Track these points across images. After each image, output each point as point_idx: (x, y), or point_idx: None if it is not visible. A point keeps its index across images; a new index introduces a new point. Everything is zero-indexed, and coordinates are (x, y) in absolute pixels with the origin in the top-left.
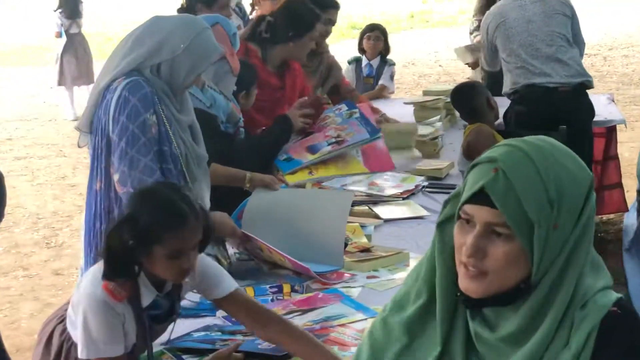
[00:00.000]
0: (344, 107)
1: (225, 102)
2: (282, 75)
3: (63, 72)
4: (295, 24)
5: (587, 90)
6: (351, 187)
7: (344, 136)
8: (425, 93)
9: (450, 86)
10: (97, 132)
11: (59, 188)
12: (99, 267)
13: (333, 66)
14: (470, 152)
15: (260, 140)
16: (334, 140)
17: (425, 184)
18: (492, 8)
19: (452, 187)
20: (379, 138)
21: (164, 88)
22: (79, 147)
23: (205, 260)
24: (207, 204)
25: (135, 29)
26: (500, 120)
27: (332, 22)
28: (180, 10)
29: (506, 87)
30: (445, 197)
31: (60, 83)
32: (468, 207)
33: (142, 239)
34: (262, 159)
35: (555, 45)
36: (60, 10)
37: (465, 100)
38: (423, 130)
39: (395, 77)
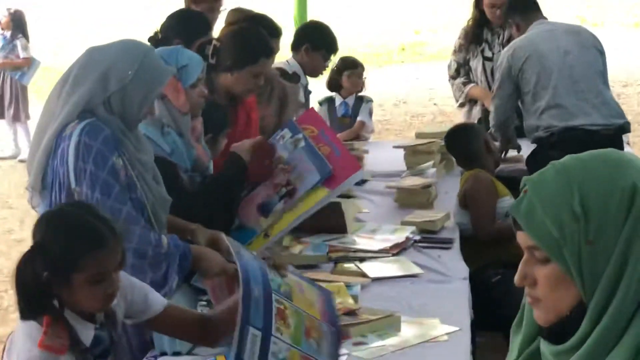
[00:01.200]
0: (287, 134)
1: (188, 147)
2: (234, 109)
3: (3, 103)
4: (237, 52)
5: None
6: (334, 242)
7: (294, 182)
8: (418, 135)
9: (447, 127)
10: (54, 186)
11: (5, 244)
12: (27, 327)
13: (287, 98)
14: (468, 201)
15: (209, 188)
16: (284, 191)
17: (418, 237)
18: (517, 39)
19: (448, 241)
20: (330, 174)
21: (120, 126)
22: (32, 208)
23: (128, 280)
24: None
25: (71, 66)
26: (523, 166)
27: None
28: (152, 40)
29: (532, 129)
30: (440, 252)
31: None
32: (517, 234)
33: (57, 268)
34: (214, 210)
35: (594, 81)
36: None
37: (462, 144)
38: (414, 178)
39: (385, 118)
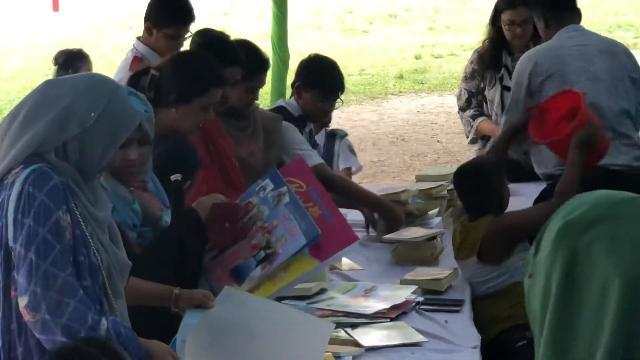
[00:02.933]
0: (268, 185)
1: (129, 199)
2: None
3: None
4: (182, 83)
5: None
6: (321, 305)
7: (274, 245)
8: (419, 178)
9: (453, 169)
10: None
11: None
12: None
13: (273, 131)
14: (486, 252)
15: (157, 243)
16: (263, 255)
17: (420, 299)
18: (541, 47)
19: (457, 303)
20: (317, 239)
21: (74, 176)
22: None
23: None
24: (129, 324)
25: (23, 100)
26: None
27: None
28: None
29: (548, 166)
30: (447, 316)
31: None
32: None
33: None
34: (163, 270)
35: (620, 116)
36: None
37: (478, 185)
38: (415, 229)
39: (380, 158)
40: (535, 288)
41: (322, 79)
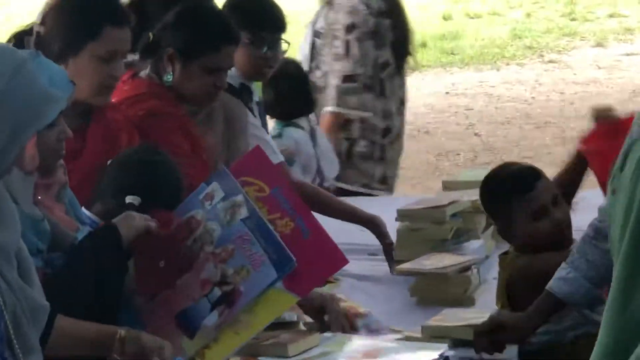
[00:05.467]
0: (216, 193)
1: (36, 216)
2: (82, 129)
3: None
4: (68, 26)
5: None
6: None
7: (233, 279)
8: (448, 186)
9: None
10: None
11: None
12: None
13: (235, 117)
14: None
15: (60, 279)
16: (218, 294)
17: (451, 353)
18: None
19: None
20: (292, 268)
21: None
22: None
23: None
24: None
25: None
26: None
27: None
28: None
29: None
30: None
31: None
32: None
33: None
34: (76, 299)
35: None
36: None
37: (499, 209)
38: (442, 256)
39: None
40: (618, 205)
41: (246, 16)
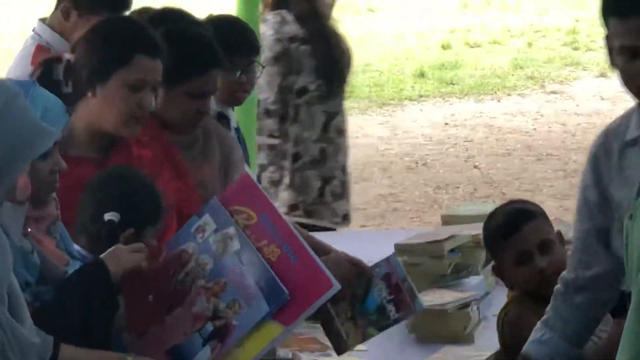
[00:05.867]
0: (208, 225)
1: (25, 248)
2: (102, 162)
3: None
4: (99, 53)
5: None
6: None
7: (225, 313)
8: (447, 220)
9: (496, 206)
10: None
11: None
12: None
13: (230, 149)
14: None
15: (47, 314)
16: (211, 329)
17: None
18: None
19: None
20: (285, 300)
21: None
22: None
23: None
24: None
25: None
26: None
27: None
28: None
29: None
30: None
31: None
32: None
33: None
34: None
35: None
36: None
37: (492, 251)
38: (441, 292)
39: (392, 190)
40: (635, 230)
41: (218, 41)
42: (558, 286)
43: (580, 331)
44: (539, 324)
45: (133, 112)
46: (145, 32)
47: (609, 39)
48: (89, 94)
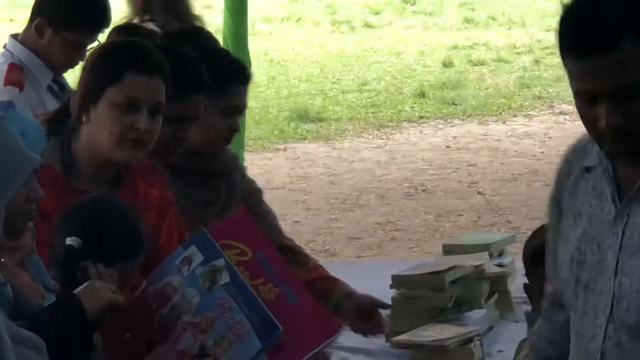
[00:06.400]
0: (195, 257)
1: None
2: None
3: None
4: (91, 74)
5: None
6: None
7: (213, 350)
8: (448, 250)
9: (501, 235)
10: None
11: None
12: None
13: (253, 197)
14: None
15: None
16: None
17: None
18: None
19: None
20: (279, 338)
21: None
22: None
23: None
24: None
25: None
26: None
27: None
28: None
29: None
30: None
31: None
32: None
33: None
34: None
35: None
36: None
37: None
38: (442, 327)
39: (390, 218)
40: None
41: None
42: (544, 304)
43: (565, 351)
44: (525, 345)
45: (125, 134)
46: (140, 48)
47: (568, 73)
48: (84, 119)
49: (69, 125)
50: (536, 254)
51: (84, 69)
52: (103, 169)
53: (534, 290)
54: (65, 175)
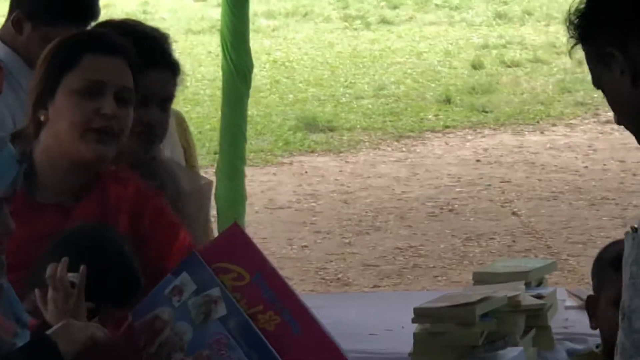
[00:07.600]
0: (186, 286)
1: None
2: (68, 210)
3: None
4: (47, 66)
5: None
6: None
7: None
8: (478, 278)
9: (539, 262)
10: None
11: None
12: None
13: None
14: None
15: None
16: None
17: None
18: None
19: None
20: None
21: None
22: None
23: None
24: None
25: None
26: None
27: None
28: None
29: None
30: None
31: None
32: None
33: None
34: None
35: None
36: None
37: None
38: None
39: (412, 243)
40: None
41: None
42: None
43: None
44: None
45: (89, 122)
46: (97, 31)
47: None
48: (42, 118)
49: (26, 131)
50: (618, 258)
51: (39, 64)
52: (69, 177)
53: (603, 303)
54: (27, 188)
